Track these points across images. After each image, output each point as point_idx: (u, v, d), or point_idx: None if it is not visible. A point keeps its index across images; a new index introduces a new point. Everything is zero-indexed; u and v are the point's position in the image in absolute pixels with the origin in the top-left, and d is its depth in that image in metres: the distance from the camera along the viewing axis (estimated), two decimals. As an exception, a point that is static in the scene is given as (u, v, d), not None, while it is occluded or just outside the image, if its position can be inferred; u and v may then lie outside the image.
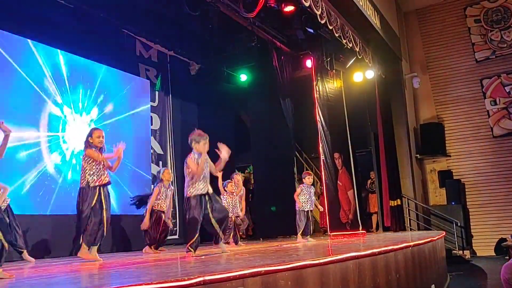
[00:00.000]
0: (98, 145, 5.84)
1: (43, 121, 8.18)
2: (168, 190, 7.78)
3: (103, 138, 5.87)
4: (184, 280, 2.60)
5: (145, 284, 2.47)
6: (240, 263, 3.95)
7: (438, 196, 13.29)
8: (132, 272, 3.82)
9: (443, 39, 13.77)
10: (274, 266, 3.19)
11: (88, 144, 5.83)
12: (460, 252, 11.83)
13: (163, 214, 7.57)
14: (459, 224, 11.96)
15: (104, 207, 5.74)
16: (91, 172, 5.72)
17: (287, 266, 3.29)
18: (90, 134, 5.88)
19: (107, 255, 7.34)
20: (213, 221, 5.47)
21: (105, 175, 5.81)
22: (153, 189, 8.44)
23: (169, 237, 8.27)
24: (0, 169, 6.82)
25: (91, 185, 5.69)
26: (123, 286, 2.43)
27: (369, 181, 12.15)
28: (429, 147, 13.14)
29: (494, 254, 12.16)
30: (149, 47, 10.92)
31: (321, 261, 3.64)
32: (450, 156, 13.33)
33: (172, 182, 8.13)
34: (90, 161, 5.74)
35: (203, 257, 5.15)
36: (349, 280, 3.99)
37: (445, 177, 13.06)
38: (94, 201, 5.67)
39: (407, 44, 13.94)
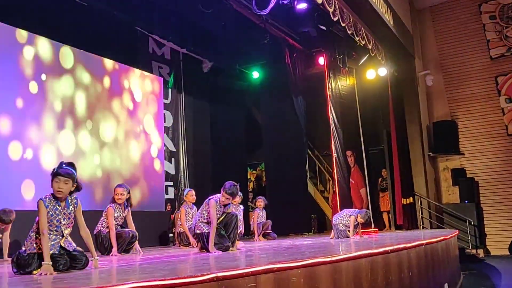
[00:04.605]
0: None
1: (53, 120, 8.25)
2: (192, 210, 7.89)
3: None
4: (197, 276, 2.62)
5: (158, 280, 2.49)
6: (253, 260, 3.96)
7: (451, 194, 13.17)
8: (145, 268, 3.85)
9: (457, 36, 13.62)
10: (287, 263, 3.20)
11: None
12: (474, 251, 11.73)
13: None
14: (472, 223, 11.85)
15: None
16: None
17: (300, 263, 3.29)
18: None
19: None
20: None
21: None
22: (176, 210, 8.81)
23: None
24: (5, 171, 6.92)
25: None
26: (136, 282, 2.45)
27: (380, 179, 12.09)
28: (442, 145, 13.01)
29: (508, 253, 12.04)
30: (162, 45, 10.98)
31: (334, 258, 3.64)
32: (463, 154, 13.20)
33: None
34: None
35: (215, 253, 5.18)
36: (362, 277, 3.99)
37: (458, 175, 12.94)
38: None
39: (420, 41, 13.81)
